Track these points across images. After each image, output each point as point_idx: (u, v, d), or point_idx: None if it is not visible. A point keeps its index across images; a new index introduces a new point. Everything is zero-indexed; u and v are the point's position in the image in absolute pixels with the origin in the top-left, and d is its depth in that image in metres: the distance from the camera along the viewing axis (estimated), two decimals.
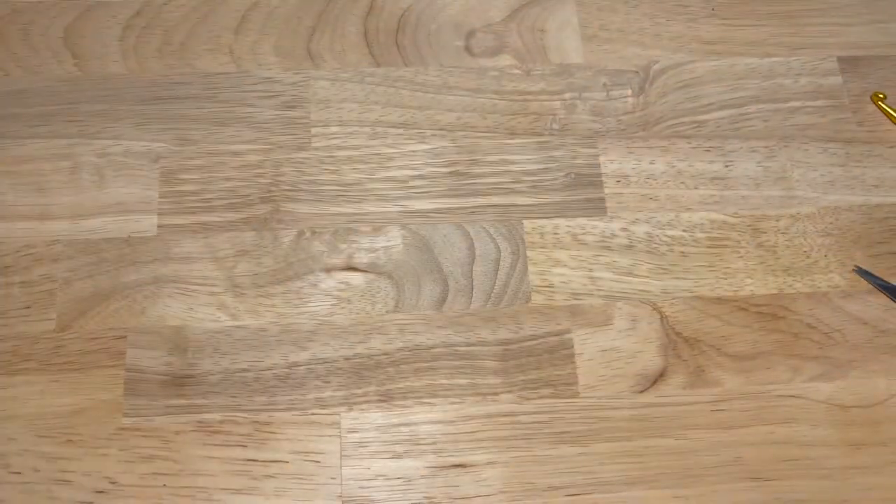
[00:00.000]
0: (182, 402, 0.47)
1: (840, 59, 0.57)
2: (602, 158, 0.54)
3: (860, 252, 0.52)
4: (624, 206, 0.53)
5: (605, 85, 0.56)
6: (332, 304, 0.50)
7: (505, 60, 0.56)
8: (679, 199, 0.53)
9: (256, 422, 0.47)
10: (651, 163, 0.54)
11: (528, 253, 0.51)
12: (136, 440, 0.46)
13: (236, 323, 0.49)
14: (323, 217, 0.52)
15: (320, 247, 0.51)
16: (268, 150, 0.53)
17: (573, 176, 0.53)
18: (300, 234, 0.51)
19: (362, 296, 0.50)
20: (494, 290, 0.50)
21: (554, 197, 0.53)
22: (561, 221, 0.52)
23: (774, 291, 0.51)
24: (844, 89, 0.56)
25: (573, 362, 0.49)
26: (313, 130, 0.54)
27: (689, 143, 0.54)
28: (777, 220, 0.53)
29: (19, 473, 0.45)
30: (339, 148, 0.53)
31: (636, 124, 0.55)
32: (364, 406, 0.47)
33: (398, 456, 0.47)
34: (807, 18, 0.58)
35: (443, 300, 0.50)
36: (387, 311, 0.50)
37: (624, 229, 0.52)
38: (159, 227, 0.51)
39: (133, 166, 0.52)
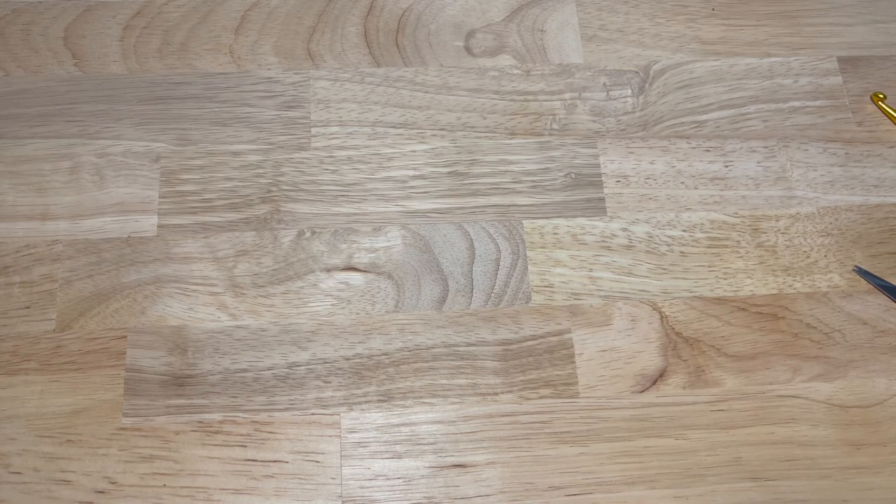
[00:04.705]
0: (182, 402, 0.47)
1: (840, 59, 0.57)
2: (602, 158, 0.54)
3: (860, 252, 0.52)
4: (624, 206, 0.53)
5: (605, 85, 0.56)
6: (332, 304, 0.50)
7: (505, 60, 0.56)
8: (679, 199, 0.53)
9: (256, 422, 0.47)
10: (651, 163, 0.54)
11: (528, 253, 0.51)
12: (136, 440, 0.46)
13: (236, 323, 0.49)
14: (323, 217, 0.52)
15: (320, 247, 0.51)
16: (268, 150, 0.53)
17: (573, 176, 0.53)
18: (300, 234, 0.51)
19: (362, 296, 0.50)
20: (494, 290, 0.50)
21: (554, 197, 0.53)
22: (561, 221, 0.52)
23: (774, 291, 0.51)
24: (844, 89, 0.56)
25: (573, 362, 0.49)
26: (313, 130, 0.54)
27: (689, 143, 0.54)
28: (777, 220, 0.53)
29: (19, 473, 0.45)
30: (339, 148, 0.53)
31: (636, 124, 0.55)
32: (364, 406, 0.47)
33: (398, 456, 0.47)
34: (807, 18, 0.59)
35: (443, 300, 0.50)
36: (387, 311, 0.50)
37: (624, 229, 0.52)
38: (159, 227, 0.51)
39: (133, 166, 0.52)
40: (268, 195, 0.52)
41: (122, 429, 0.46)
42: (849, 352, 0.50)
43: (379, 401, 0.48)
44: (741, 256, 0.52)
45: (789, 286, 0.51)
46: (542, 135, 0.54)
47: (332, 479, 0.46)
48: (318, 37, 0.57)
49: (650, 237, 0.52)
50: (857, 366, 0.49)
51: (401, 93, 0.55)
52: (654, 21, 0.58)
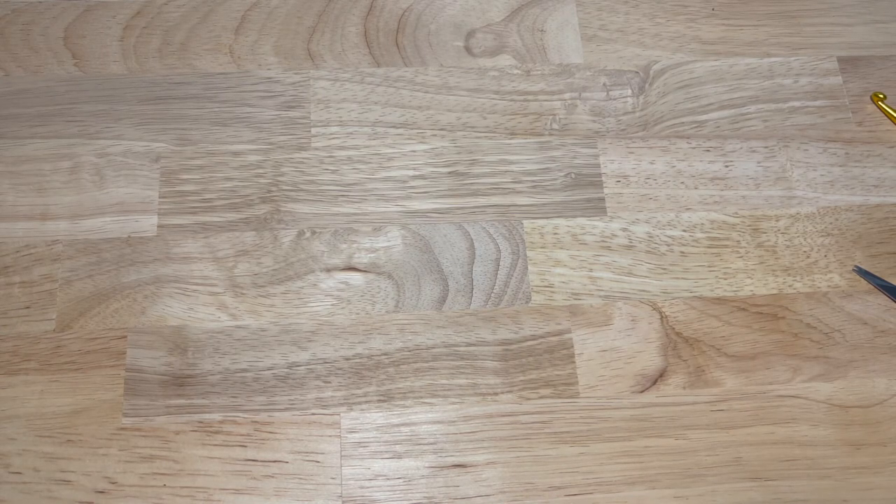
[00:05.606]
0: (182, 402, 0.47)
1: (840, 59, 0.57)
2: (602, 158, 0.54)
3: (860, 252, 0.52)
4: (624, 206, 0.53)
5: (605, 85, 0.56)
6: (332, 304, 0.50)
7: (505, 60, 0.56)
8: (679, 199, 0.53)
9: (256, 422, 0.47)
10: (651, 163, 0.54)
11: (528, 253, 0.51)
12: (136, 440, 0.46)
13: (236, 323, 0.49)
14: (323, 217, 0.52)
15: (320, 247, 0.51)
16: (268, 150, 0.53)
17: (573, 176, 0.53)
18: (300, 234, 0.51)
19: (362, 296, 0.50)
20: (494, 290, 0.50)
21: (554, 197, 0.53)
22: (561, 221, 0.52)
23: (774, 291, 0.51)
24: (844, 89, 0.56)
25: (573, 362, 0.49)
26: (313, 130, 0.54)
27: (689, 143, 0.54)
28: (777, 220, 0.53)
29: (19, 473, 0.45)
30: (339, 148, 0.53)
31: (636, 124, 0.55)
32: (364, 406, 0.47)
33: (398, 456, 0.47)
34: (807, 18, 0.59)
35: (443, 300, 0.50)
36: (387, 311, 0.50)
37: (624, 229, 0.52)
38: (159, 227, 0.51)
39: (133, 166, 0.52)
40: (268, 195, 0.52)
41: (122, 429, 0.46)
42: (849, 352, 0.50)
43: (379, 401, 0.48)
44: (741, 256, 0.52)
45: (789, 286, 0.51)
46: (542, 135, 0.54)
47: (332, 479, 0.46)
48: (318, 37, 0.57)
49: (650, 237, 0.52)
50: (857, 366, 0.49)
51: (401, 93, 0.55)
52: (654, 21, 0.58)
